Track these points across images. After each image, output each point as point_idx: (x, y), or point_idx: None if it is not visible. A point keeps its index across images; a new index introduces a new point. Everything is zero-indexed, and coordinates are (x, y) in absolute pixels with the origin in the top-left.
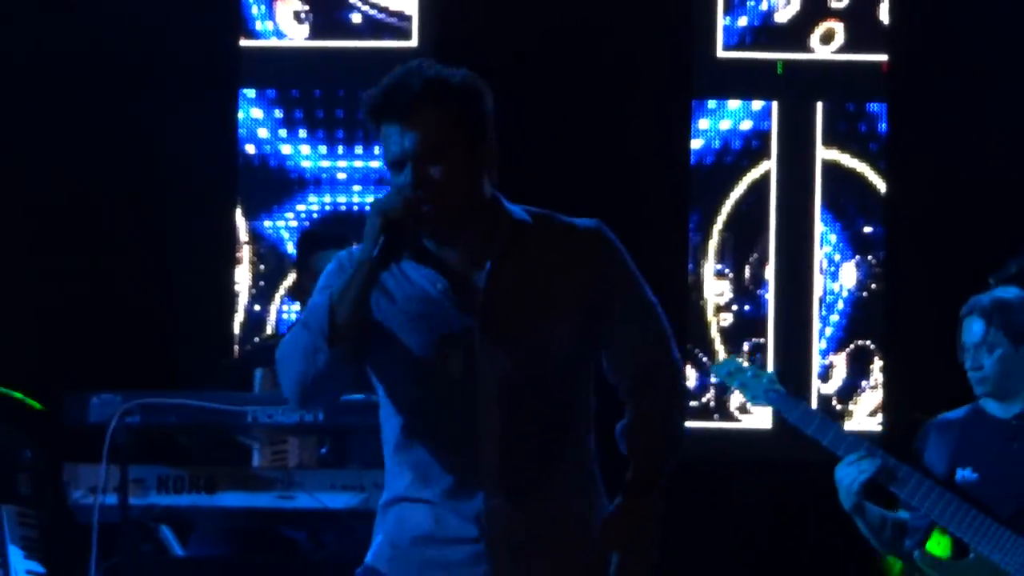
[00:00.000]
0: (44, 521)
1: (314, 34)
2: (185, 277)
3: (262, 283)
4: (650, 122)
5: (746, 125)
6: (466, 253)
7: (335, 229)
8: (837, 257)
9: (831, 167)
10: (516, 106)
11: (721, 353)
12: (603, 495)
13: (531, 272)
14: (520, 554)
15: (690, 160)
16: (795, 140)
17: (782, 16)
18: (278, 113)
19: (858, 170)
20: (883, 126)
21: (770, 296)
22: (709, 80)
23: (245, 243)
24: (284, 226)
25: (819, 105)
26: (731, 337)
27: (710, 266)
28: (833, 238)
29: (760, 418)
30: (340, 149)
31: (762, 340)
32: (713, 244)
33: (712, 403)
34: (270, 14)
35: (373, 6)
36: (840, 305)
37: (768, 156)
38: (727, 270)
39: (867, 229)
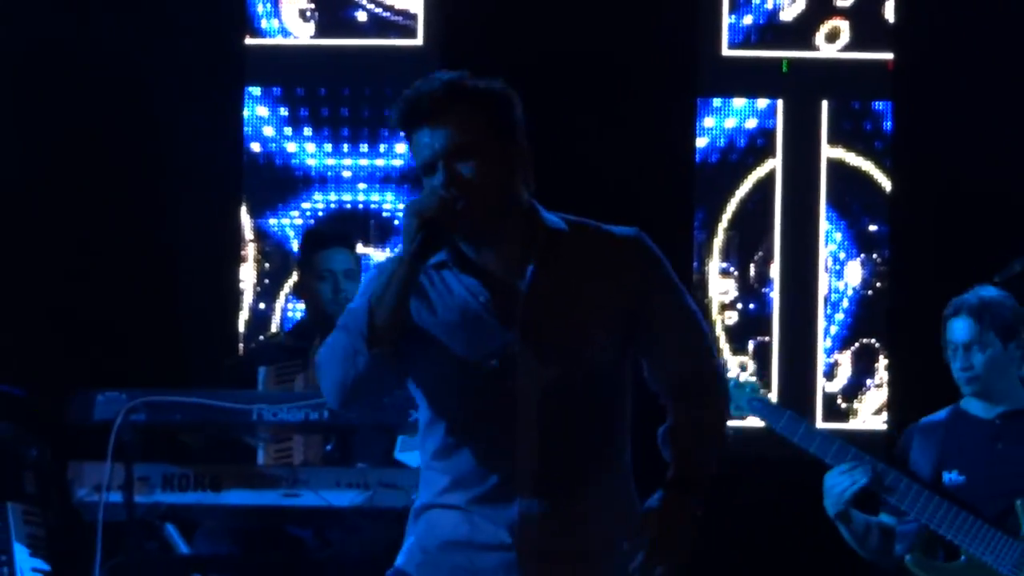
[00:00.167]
0: (49, 519)
1: (319, 32)
2: (190, 275)
3: (267, 281)
4: (655, 120)
5: (751, 123)
6: (505, 261)
7: (339, 227)
8: (842, 256)
9: (836, 165)
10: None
11: (726, 352)
12: (637, 504)
13: (570, 281)
14: (551, 563)
15: (695, 158)
16: (800, 138)
17: (787, 14)
18: (283, 111)
19: (863, 168)
20: (888, 124)
21: (775, 295)
22: (714, 78)
23: (250, 241)
24: (289, 224)
25: (824, 103)
26: (736, 336)
27: (715, 264)
28: (838, 236)
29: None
30: (345, 147)
31: (767, 339)
32: (718, 243)
33: None
34: (275, 12)
35: (379, 4)
36: (845, 304)
37: (773, 154)
38: (732, 268)
39: (872, 228)
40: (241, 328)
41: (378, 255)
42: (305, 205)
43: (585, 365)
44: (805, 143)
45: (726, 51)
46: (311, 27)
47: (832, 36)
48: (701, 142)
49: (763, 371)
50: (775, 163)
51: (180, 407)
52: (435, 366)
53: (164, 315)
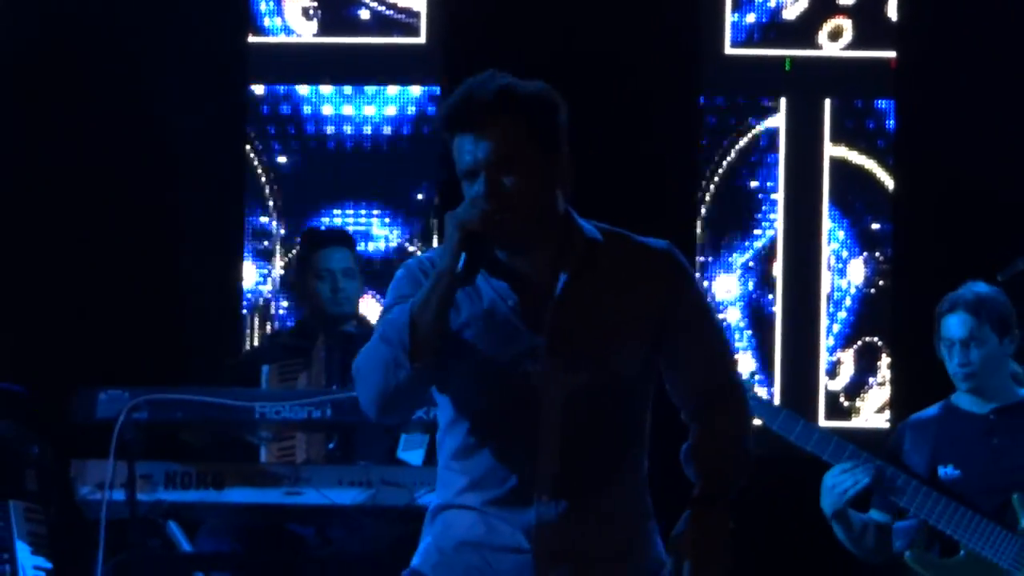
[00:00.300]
0: (51, 517)
1: (322, 31)
2: (192, 273)
3: (269, 280)
4: (658, 119)
5: (754, 122)
6: (538, 267)
7: (337, 227)
8: (845, 254)
9: (839, 164)
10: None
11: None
12: (653, 516)
13: (601, 291)
14: (567, 567)
15: (698, 157)
16: (803, 137)
17: (790, 13)
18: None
19: (866, 167)
20: (891, 123)
21: (778, 293)
22: (717, 77)
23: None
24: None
25: (827, 102)
26: (739, 333)
27: (718, 262)
28: (841, 235)
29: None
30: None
31: (769, 337)
32: (721, 240)
33: None
34: (278, 10)
35: (382, 2)
36: (848, 302)
37: (776, 152)
38: (734, 266)
39: (875, 226)
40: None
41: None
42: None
43: (610, 374)
44: (808, 141)
45: (729, 50)
46: (314, 25)
47: (835, 34)
48: (704, 140)
49: (766, 369)
50: (778, 161)
51: (182, 405)
52: (460, 369)
53: (167, 313)
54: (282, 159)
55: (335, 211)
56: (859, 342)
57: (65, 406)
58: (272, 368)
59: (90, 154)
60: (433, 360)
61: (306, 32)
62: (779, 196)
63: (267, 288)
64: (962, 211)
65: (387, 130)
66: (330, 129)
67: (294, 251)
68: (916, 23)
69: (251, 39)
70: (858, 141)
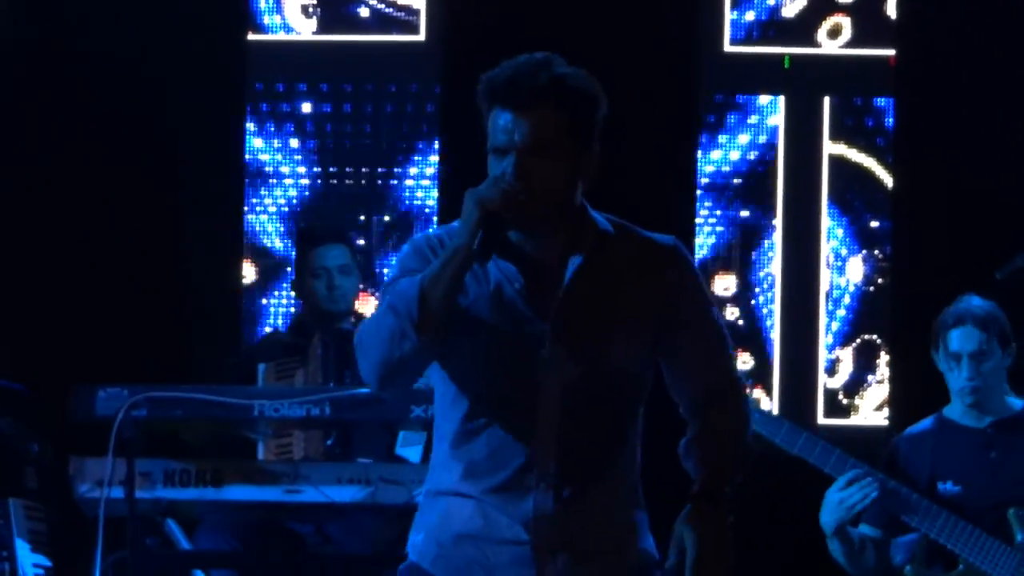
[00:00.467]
0: (51, 515)
1: (322, 28)
2: (192, 270)
3: (267, 278)
4: (657, 116)
5: (753, 119)
6: (548, 253)
7: (332, 223)
8: (844, 252)
9: (838, 162)
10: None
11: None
12: (644, 509)
13: (608, 282)
14: (566, 559)
15: (698, 154)
16: (802, 134)
17: (789, 11)
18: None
19: (865, 165)
20: (890, 121)
21: (776, 290)
22: (716, 75)
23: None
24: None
25: (826, 100)
26: (736, 332)
27: (716, 260)
28: (840, 233)
29: None
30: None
31: (768, 335)
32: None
33: None
34: (278, 8)
35: (381, 0)
36: (847, 300)
37: (775, 150)
38: (733, 264)
39: (874, 224)
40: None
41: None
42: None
43: (611, 365)
44: (807, 139)
45: (728, 47)
46: (314, 23)
47: (834, 32)
48: (702, 138)
49: (764, 368)
50: (777, 159)
51: (181, 403)
52: (461, 352)
53: (166, 311)
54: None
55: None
56: (858, 340)
57: (64, 404)
58: (269, 366)
59: (89, 152)
60: (439, 335)
61: (306, 30)
62: (778, 194)
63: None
64: (961, 209)
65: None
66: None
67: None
68: (915, 21)
69: (251, 37)
70: (857, 139)
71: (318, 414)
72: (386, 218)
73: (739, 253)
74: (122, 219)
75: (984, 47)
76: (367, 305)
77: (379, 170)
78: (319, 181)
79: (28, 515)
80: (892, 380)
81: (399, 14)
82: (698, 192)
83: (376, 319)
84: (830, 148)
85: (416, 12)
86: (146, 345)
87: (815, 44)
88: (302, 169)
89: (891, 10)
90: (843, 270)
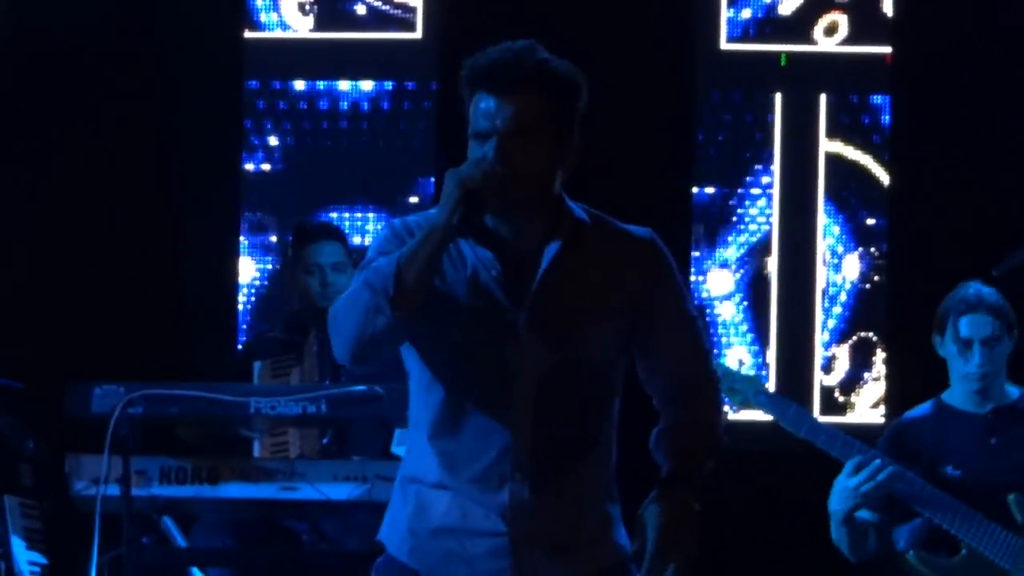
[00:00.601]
0: (46, 512)
1: (318, 26)
2: (188, 267)
3: (264, 275)
4: (654, 114)
5: (749, 117)
6: (524, 241)
7: (326, 220)
8: (840, 249)
9: (834, 159)
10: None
11: (721, 346)
12: (618, 502)
13: (584, 272)
14: (543, 550)
15: (693, 151)
16: (798, 132)
17: (785, 8)
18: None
19: (861, 162)
20: (886, 118)
21: (773, 288)
22: (713, 72)
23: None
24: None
25: (822, 97)
26: (733, 329)
27: (713, 257)
28: (836, 230)
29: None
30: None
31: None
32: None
33: None
34: (275, 5)
35: None
36: (843, 297)
37: (771, 148)
38: (729, 262)
39: (870, 221)
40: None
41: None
42: None
43: (586, 354)
44: (803, 137)
45: (724, 45)
46: (310, 20)
47: (830, 30)
48: (700, 135)
49: (761, 364)
50: (774, 156)
51: (177, 400)
52: (436, 339)
53: (162, 308)
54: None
55: (330, 206)
56: (854, 337)
57: (60, 401)
58: (264, 364)
59: (86, 149)
60: (414, 312)
61: (302, 27)
62: (774, 191)
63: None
64: (957, 206)
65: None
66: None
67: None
68: (911, 18)
69: (247, 34)
70: (853, 136)
71: (314, 412)
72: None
73: (735, 250)
74: (119, 216)
75: (980, 45)
76: None
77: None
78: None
79: (24, 513)
80: (888, 377)
81: (396, 11)
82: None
83: (351, 295)
84: (826, 146)
85: (413, 9)
86: (142, 342)
87: (811, 42)
88: (298, 166)
89: (887, 7)
90: (839, 268)
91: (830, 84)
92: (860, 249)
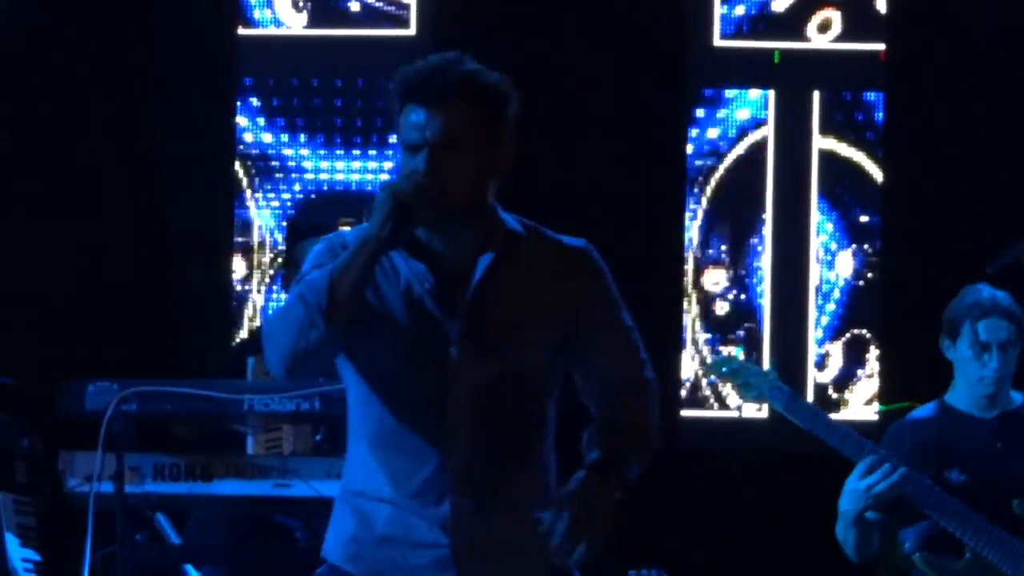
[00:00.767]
0: (41, 509)
1: (312, 23)
2: (182, 265)
3: (258, 273)
4: (647, 111)
5: (743, 114)
6: (457, 253)
7: (317, 218)
8: (833, 246)
9: (828, 156)
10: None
11: (716, 344)
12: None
13: (517, 283)
14: (486, 560)
15: (687, 149)
16: (792, 129)
17: (779, 5)
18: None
19: (855, 159)
20: (880, 115)
21: (766, 285)
22: (706, 69)
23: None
24: (281, 216)
25: (816, 94)
26: (726, 326)
27: (706, 254)
28: (830, 227)
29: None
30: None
31: (757, 328)
32: (709, 232)
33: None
34: (268, 2)
35: None
36: (836, 294)
37: (765, 145)
38: (723, 259)
39: (863, 218)
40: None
41: None
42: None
43: (520, 364)
44: (797, 134)
45: (718, 42)
46: (304, 17)
47: (824, 27)
48: (693, 132)
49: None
50: (767, 154)
51: (171, 397)
52: (371, 352)
53: (156, 305)
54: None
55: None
56: (848, 334)
57: (54, 398)
58: (258, 359)
59: (79, 147)
60: (347, 325)
61: (296, 24)
62: (768, 188)
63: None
64: (951, 203)
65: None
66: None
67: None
68: (905, 15)
69: (241, 31)
70: (847, 133)
71: (307, 409)
72: None
73: (729, 247)
74: (112, 213)
75: (974, 42)
76: None
77: (370, 165)
78: (309, 175)
79: (18, 509)
80: (882, 374)
81: (389, 8)
82: (687, 186)
83: (285, 309)
84: (820, 143)
85: (406, 6)
86: (136, 340)
87: (805, 39)
88: (292, 163)
89: (881, 5)
90: (833, 264)
91: (823, 81)
92: (853, 246)
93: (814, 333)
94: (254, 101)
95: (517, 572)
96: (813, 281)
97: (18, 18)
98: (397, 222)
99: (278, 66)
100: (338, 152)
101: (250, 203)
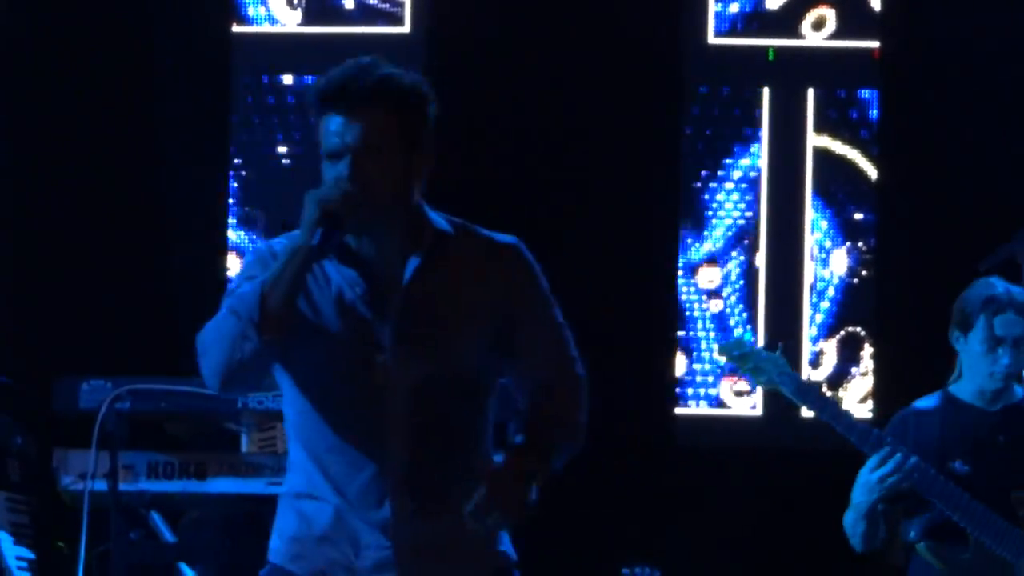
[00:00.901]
0: (34, 507)
1: (307, 20)
2: (176, 262)
3: None
4: (642, 108)
5: (737, 112)
6: (387, 256)
7: None
8: (828, 244)
9: (822, 154)
10: (507, 91)
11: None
12: None
13: (448, 283)
14: (428, 561)
15: (681, 146)
16: (786, 127)
17: (773, 3)
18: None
19: (849, 157)
20: (874, 113)
21: (760, 283)
22: (701, 66)
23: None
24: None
25: (810, 92)
26: (721, 323)
27: (701, 252)
28: (824, 225)
29: (750, 404)
30: None
31: (753, 326)
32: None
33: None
34: (263, 0)
35: None
36: (831, 292)
37: (759, 143)
38: (718, 256)
39: (858, 216)
40: None
41: None
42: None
43: (454, 364)
44: (791, 131)
45: (712, 39)
46: (298, 15)
47: (818, 24)
48: (687, 130)
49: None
50: (761, 151)
51: (165, 395)
52: (306, 359)
53: (150, 303)
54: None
55: None
56: (842, 332)
57: (47, 396)
58: None
59: (75, 144)
60: (280, 336)
61: (290, 21)
62: (762, 186)
63: None
64: (945, 201)
65: None
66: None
67: None
68: (899, 13)
69: (235, 28)
70: (841, 131)
71: None
72: None
73: (723, 245)
74: (107, 211)
75: (968, 39)
76: None
77: None
78: (304, 174)
79: (11, 508)
80: (876, 372)
81: (384, 5)
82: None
83: (217, 322)
84: (814, 140)
85: (401, 4)
86: (130, 337)
87: (799, 36)
88: (287, 161)
89: (875, 2)
90: (827, 262)
91: (818, 79)
92: (848, 244)
93: (808, 331)
94: (249, 98)
95: (459, 571)
96: (807, 279)
97: (13, 16)
98: (325, 231)
99: (273, 64)
100: None
101: (246, 201)
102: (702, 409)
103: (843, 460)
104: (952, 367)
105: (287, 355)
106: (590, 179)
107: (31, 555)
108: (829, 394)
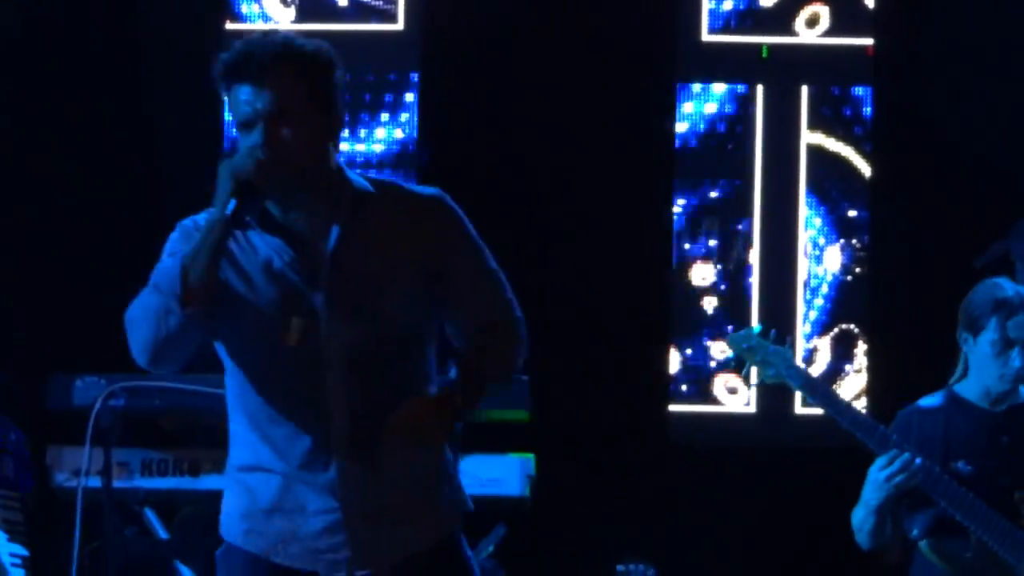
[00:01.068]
0: (28, 504)
1: (300, 17)
2: None
3: None
4: (635, 105)
5: (730, 109)
6: (311, 222)
7: None
8: (822, 241)
9: (816, 151)
10: (501, 88)
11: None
12: (453, 453)
13: (375, 241)
14: (376, 522)
15: (674, 143)
16: (780, 124)
17: (767, 0)
18: None
19: (843, 154)
20: (868, 110)
21: (754, 280)
22: (694, 64)
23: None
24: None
25: (804, 89)
26: (715, 321)
27: (695, 249)
28: (818, 222)
29: (744, 402)
30: None
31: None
32: (697, 227)
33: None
34: None
35: None
36: (824, 289)
37: (753, 140)
38: (712, 254)
39: (852, 213)
40: None
41: None
42: None
43: (389, 323)
44: (784, 129)
45: (706, 36)
46: (292, 12)
47: (812, 22)
48: (681, 127)
49: None
50: (755, 148)
51: (159, 392)
52: (240, 330)
53: None
54: None
55: None
56: (836, 329)
57: (41, 393)
58: None
59: (69, 141)
60: (204, 309)
61: (284, 19)
62: (756, 183)
63: None
64: (939, 198)
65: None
66: None
67: None
68: (893, 10)
69: (228, 26)
70: (835, 128)
71: None
72: None
73: (717, 242)
74: (101, 208)
75: (962, 36)
76: None
77: (358, 159)
78: None
79: (5, 504)
80: (870, 369)
81: (377, 3)
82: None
83: (142, 299)
84: (808, 137)
85: (394, 1)
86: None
87: (793, 33)
88: None
89: None
90: (821, 259)
91: (811, 76)
92: (842, 241)
93: (802, 328)
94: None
95: (408, 534)
96: (801, 276)
97: (4, 14)
98: (241, 200)
99: None
100: None
101: None
102: (696, 406)
103: (836, 457)
104: (946, 364)
105: (221, 328)
106: (583, 176)
107: (25, 552)
108: (836, 390)
